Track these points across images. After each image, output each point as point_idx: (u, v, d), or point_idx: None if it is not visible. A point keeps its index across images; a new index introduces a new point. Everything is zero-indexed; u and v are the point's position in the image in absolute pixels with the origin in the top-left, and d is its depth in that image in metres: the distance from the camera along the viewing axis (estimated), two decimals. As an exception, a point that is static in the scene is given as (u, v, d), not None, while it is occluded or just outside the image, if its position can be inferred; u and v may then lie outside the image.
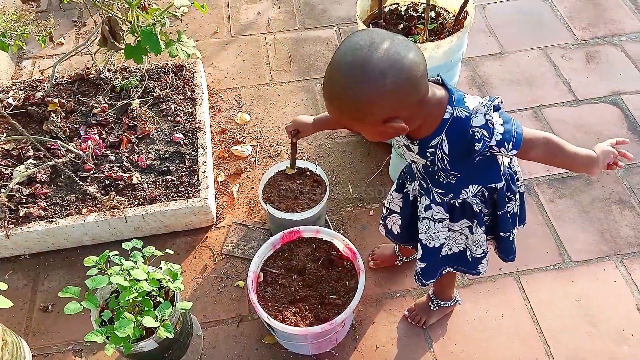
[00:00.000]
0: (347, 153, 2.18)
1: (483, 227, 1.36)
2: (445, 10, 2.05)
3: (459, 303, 1.75)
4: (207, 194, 1.88)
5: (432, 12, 2.06)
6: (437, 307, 1.71)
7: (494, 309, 1.76)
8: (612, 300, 1.77)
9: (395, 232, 1.54)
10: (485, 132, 1.10)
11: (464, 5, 1.85)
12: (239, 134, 2.25)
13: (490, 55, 2.54)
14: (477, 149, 1.11)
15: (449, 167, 1.19)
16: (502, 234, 1.40)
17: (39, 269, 1.89)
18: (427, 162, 1.21)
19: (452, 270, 1.50)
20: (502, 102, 1.14)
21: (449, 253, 1.43)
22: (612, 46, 2.54)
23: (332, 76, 1.03)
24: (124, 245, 1.45)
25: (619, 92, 2.34)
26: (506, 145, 1.12)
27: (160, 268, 1.44)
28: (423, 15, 2.06)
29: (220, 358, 1.68)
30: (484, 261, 1.45)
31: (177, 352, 1.52)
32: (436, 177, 1.25)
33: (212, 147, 2.19)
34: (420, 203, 1.39)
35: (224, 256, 1.90)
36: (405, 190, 1.45)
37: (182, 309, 1.38)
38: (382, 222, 1.58)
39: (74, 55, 2.17)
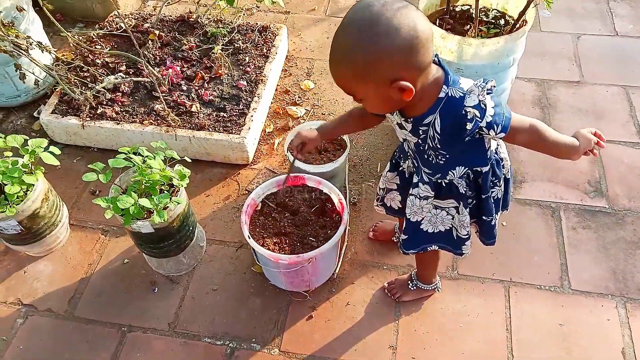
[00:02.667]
0: (388, 136, 2.29)
1: (468, 209, 1.40)
2: (513, 19, 2.08)
3: (438, 290, 1.80)
4: (247, 134, 2.10)
5: (502, 19, 2.11)
6: (415, 287, 1.77)
7: (473, 306, 1.78)
8: (598, 335, 1.70)
9: (396, 208, 1.59)
10: (477, 113, 1.14)
11: (523, 12, 1.88)
12: (299, 97, 2.45)
13: (567, 82, 2.49)
14: (468, 128, 1.16)
15: (439, 146, 1.24)
16: (484, 218, 1.43)
17: (102, 162, 2.23)
18: (419, 140, 1.25)
19: (437, 248, 1.54)
20: (494, 86, 1.20)
21: (435, 231, 1.47)
22: None
23: (343, 32, 1.06)
24: (152, 143, 1.71)
25: (694, 147, 2.20)
26: (495, 127, 1.16)
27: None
28: (492, 21, 2.12)
29: (214, 270, 1.89)
30: (467, 243, 1.48)
31: (172, 248, 1.75)
32: (426, 156, 1.30)
33: (272, 103, 2.42)
34: (413, 181, 1.44)
35: (247, 192, 2.11)
36: (400, 168, 1.49)
37: (177, 202, 1.61)
38: (380, 203, 1.63)
39: (183, 1, 2.52)
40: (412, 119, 1.21)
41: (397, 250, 1.92)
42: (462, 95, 1.15)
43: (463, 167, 1.31)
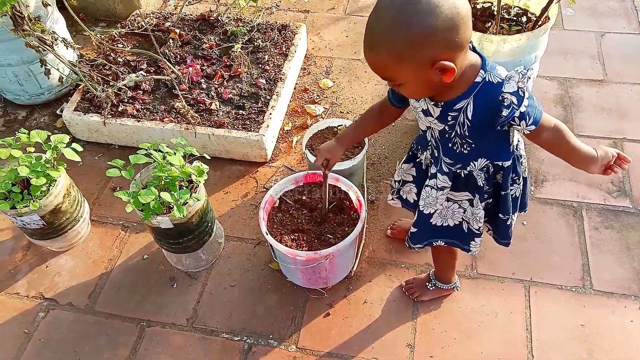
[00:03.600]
0: (407, 135, 2.27)
1: (483, 204, 1.37)
2: (536, 17, 2.05)
3: (457, 289, 1.78)
4: (266, 132, 2.11)
5: (524, 17, 2.08)
6: (433, 287, 1.76)
7: (492, 306, 1.76)
8: (620, 336, 1.67)
9: (412, 201, 1.55)
10: (514, 100, 1.10)
11: (545, 9, 1.86)
12: (317, 95, 2.46)
13: (590, 80, 2.45)
14: (504, 115, 1.11)
15: (467, 134, 1.19)
16: (501, 216, 1.41)
17: (122, 159, 2.25)
18: (446, 127, 1.21)
19: (443, 243, 1.52)
20: (529, 77, 1.15)
21: (444, 225, 1.45)
22: None
23: (381, 13, 1.02)
24: (172, 140, 1.72)
25: None
26: (527, 118, 1.13)
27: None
28: (514, 18, 2.10)
29: (232, 266, 1.90)
30: (477, 240, 1.46)
31: (191, 243, 1.76)
32: (450, 144, 1.26)
33: (291, 101, 2.43)
34: (430, 172, 1.42)
35: (265, 189, 2.12)
36: (417, 159, 1.46)
37: (197, 199, 1.62)
38: (396, 196, 1.59)
39: (204, 0, 2.55)
40: (442, 104, 1.17)
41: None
42: (500, 81, 1.12)
43: (485, 160, 1.28)
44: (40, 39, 2.01)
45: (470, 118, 1.16)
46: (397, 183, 1.57)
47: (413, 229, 1.51)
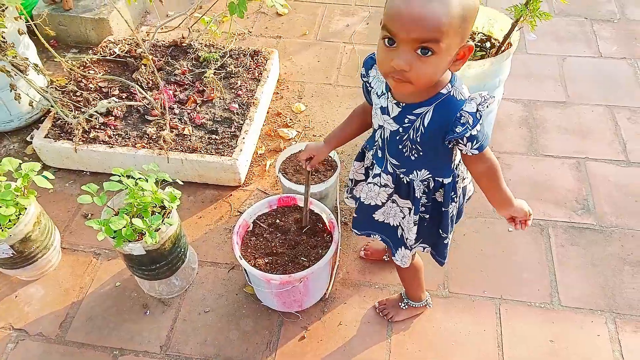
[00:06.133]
0: (379, 157, 2.31)
1: (417, 216, 1.38)
2: (499, 42, 2.13)
3: (429, 306, 1.81)
4: (239, 156, 2.13)
5: (488, 42, 2.16)
6: (406, 306, 1.78)
7: (464, 324, 1.79)
8: (588, 351, 1.71)
9: None
10: (470, 120, 1.15)
11: (508, 35, 1.94)
12: (290, 119, 2.49)
13: (553, 102, 2.54)
14: (457, 131, 1.15)
15: (418, 140, 1.23)
16: (441, 232, 1.44)
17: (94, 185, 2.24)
18: (400, 129, 1.24)
19: (379, 238, 1.54)
20: (489, 103, 1.18)
21: (385, 221, 1.47)
22: (689, 120, 2.42)
23: None
24: (144, 166, 1.73)
25: (679, 164, 2.24)
26: (474, 142, 1.18)
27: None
28: (479, 44, 2.17)
29: (205, 291, 1.89)
30: (403, 250, 1.48)
31: (164, 270, 1.76)
32: (400, 146, 1.28)
33: (264, 125, 2.45)
34: (374, 172, 1.43)
35: (239, 213, 2.12)
36: (365, 159, 1.50)
37: (169, 224, 1.62)
38: (350, 195, 1.63)
39: (177, 27, 2.58)
40: (403, 105, 1.21)
41: (388, 270, 1.93)
42: (463, 99, 1.17)
43: (428, 172, 1.32)
44: (13, 64, 2.01)
45: (425, 125, 1.20)
46: (351, 182, 1.60)
47: (355, 215, 1.54)
